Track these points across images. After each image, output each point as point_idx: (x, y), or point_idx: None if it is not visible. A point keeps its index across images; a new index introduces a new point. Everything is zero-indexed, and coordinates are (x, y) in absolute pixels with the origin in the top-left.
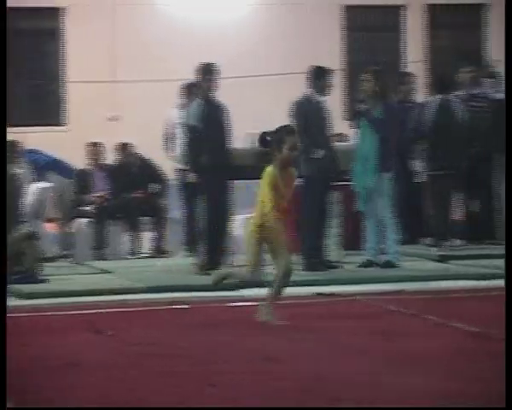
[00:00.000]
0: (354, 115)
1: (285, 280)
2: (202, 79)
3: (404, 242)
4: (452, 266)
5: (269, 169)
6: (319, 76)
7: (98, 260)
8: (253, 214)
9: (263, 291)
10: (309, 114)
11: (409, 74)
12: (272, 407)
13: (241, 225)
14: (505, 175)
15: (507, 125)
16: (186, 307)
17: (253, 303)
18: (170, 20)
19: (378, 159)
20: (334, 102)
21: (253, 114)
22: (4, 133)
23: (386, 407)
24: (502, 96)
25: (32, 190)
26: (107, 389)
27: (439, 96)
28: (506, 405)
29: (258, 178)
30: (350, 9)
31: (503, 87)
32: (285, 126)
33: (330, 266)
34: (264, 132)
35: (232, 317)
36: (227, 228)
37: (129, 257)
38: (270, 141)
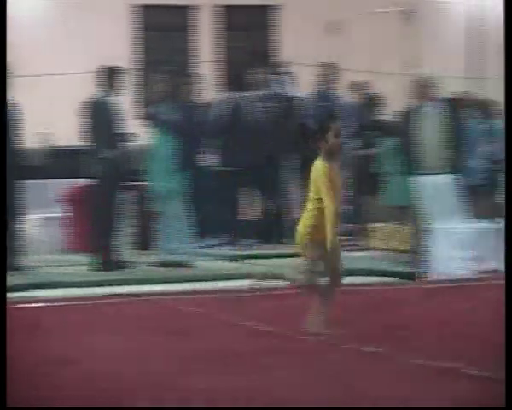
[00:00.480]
0: (147, 115)
1: (332, 291)
2: None
3: (198, 240)
4: (245, 266)
5: (319, 162)
6: (109, 76)
7: None
8: (304, 214)
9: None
10: (99, 114)
11: (196, 75)
12: (272, 406)
13: (33, 225)
14: (505, 175)
15: (507, 125)
16: None
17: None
18: None
19: (173, 158)
20: (127, 101)
21: (40, 114)
22: (4, 132)
23: (387, 407)
24: (293, 94)
25: None
26: None
27: (231, 96)
28: (506, 405)
29: (49, 178)
30: (141, 9)
31: (293, 87)
32: (328, 114)
33: (122, 265)
34: (302, 124)
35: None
36: (17, 228)
37: None
38: (312, 132)
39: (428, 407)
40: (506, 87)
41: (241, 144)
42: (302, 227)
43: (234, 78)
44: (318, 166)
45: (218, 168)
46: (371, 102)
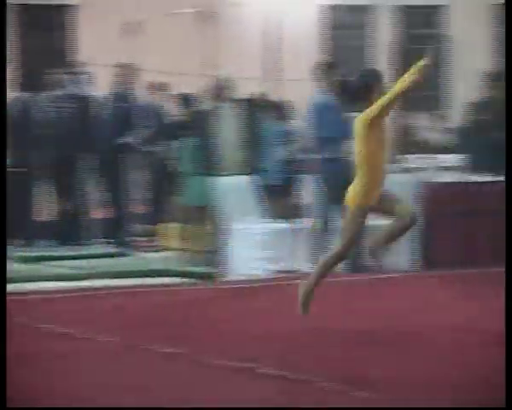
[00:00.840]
0: None
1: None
2: None
3: None
4: (43, 267)
5: (362, 116)
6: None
7: None
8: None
9: None
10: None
11: None
12: (275, 407)
13: None
14: (505, 175)
15: (507, 125)
16: None
17: None
18: None
19: None
20: None
21: None
22: (4, 132)
23: (387, 407)
24: (90, 94)
25: None
26: None
27: (22, 96)
28: (506, 405)
29: None
30: None
31: (90, 87)
32: (373, 71)
33: None
34: (344, 80)
35: None
36: None
37: None
38: (355, 90)
39: (428, 407)
40: (506, 87)
41: (33, 145)
42: (352, 191)
43: (28, 78)
44: (362, 117)
45: (9, 169)
46: (172, 102)
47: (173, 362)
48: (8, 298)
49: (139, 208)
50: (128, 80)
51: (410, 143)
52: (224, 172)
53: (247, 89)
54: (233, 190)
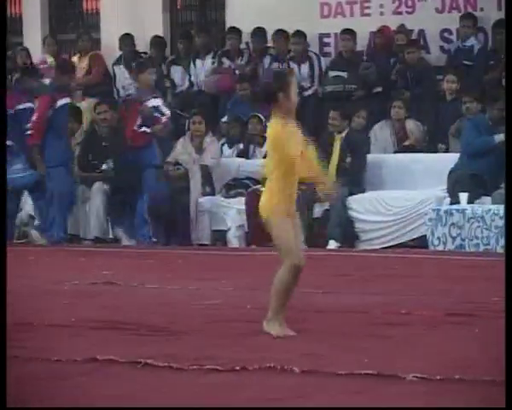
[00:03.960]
0: None
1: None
2: None
3: None
4: None
5: (275, 124)
6: None
7: None
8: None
9: None
10: None
11: None
12: (275, 407)
13: None
14: (505, 175)
15: (507, 124)
16: None
17: None
18: None
19: None
20: None
21: None
22: (4, 132)
23: (385, 407)
24: None
25: None
26: None
27: None
28: (506, 405)
29: None
30: None
31: None
32: (286, 69)
33: None
34: (257, 86)
35: None
36: None
37: None
38: (270, 90)
39: (428, 407)
40: (506, 86)
41: None
42: (266, 201)
43: None
44: (273, 126)
45: None
46: None
47: None
48: None
49: None
50: None
51: None
52: None
53: None
54: None
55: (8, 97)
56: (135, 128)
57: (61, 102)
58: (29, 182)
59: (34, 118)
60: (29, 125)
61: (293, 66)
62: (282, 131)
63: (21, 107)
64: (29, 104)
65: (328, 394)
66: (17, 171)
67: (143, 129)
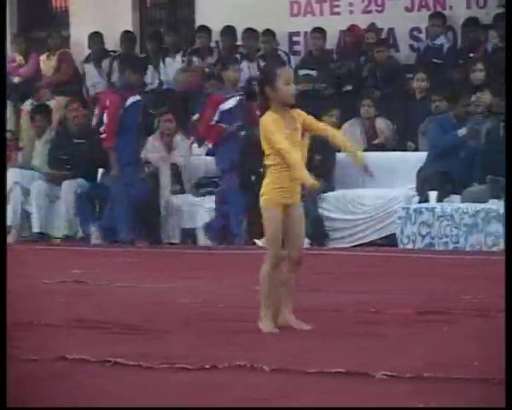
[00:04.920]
0: None
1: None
2: None
3: None
4: None
5: (266, 117)
6: None
7: None
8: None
9: None
10: None
11: None
12: (276, 407)
13: None
14: (506, 174)
15: (507, 124)
16: None
17: None
18: None
19: None
20: None
21: None
22: (4, 132)
23: (384, 407)
24: None
25: None
26: None
27: None
28: (506, 405)
29: None
30: None
31: None
32: (275, 60)
33: None
34: (250, 82)
35: None
36: None
37: None
38: (259, 83)
39: (428, 407)
40: (506, 86)
41: None
42: (260, 193)
43: None
44: (264, 119)
45: None
46: None
47: None
48: None
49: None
50: None
51: None
52: None
53: None
54: None
55: None
56: (211, 123)
57: (130, 101)
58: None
59: (106, 120)
60: (102, 128)
61: (263, 64)
62: (270, 123)
63: None
64: None
65: (296, 393)
66: None
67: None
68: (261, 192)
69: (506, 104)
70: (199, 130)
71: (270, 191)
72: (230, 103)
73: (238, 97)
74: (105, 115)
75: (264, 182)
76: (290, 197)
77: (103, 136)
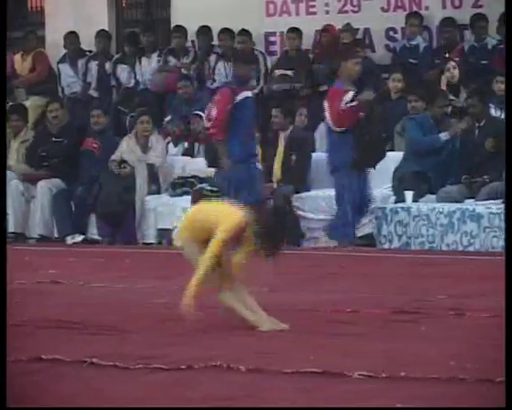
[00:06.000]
0: None
1: None
2: None
3: None
4: None
5: None
6: None
7: None
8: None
9: None
10: None
11: None
12: (276, 407)
13: None
14: (505, 174)
15: (507, 123)
16: None
17: None
18: None
19: None
20: None
21: None
22: (4, 131)
23: (382, 407)
24: None
25: None
26: None
27: None
28: (506, 405)
29: None
30: None
31: None
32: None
33: None
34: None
35: None
36: None
37: None
38: None
39: (428, 407)
40: (506, 86)
41: None
42: None
43: None
44: None
45: None
46: None
47: None
48: None
49: None
50: None
51: None
52: None
53: None
54: None
55: None
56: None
57: (241, 96)
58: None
59: (215, 113)
60: (210, 121)
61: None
62: None
63: None
64: None
65: (274, 392)
66: None
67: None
68: None
69: (506, 103)
70: (332, 116)
71: None
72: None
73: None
74: (214, 109)
75: None
76: None
77: (212, 129)
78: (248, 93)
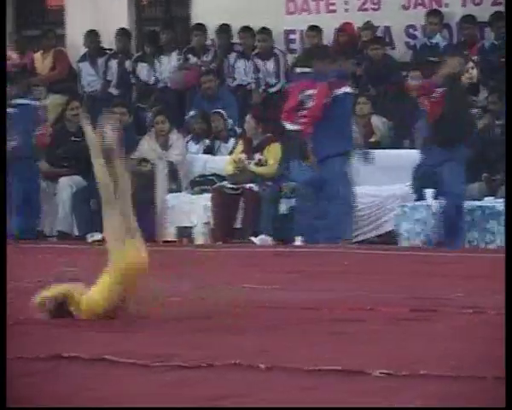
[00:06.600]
0: None
1: None
2: None
3: None
4: None
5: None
6: None
7: None
8: None
9: None
10: None
11: None
12: (276, 407)
13: None
14: (505, 173)
15: (507, 123)
16: None
17: None
18: None
19: None
20: None
21: None
22: (4, 131)
23: (384, 407)
24: None
25: None
26: None
27: None
28: (506, 405)
29: None
30: None
31: None
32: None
33: None
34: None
35: None
36: None
37: None
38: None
39: (430, 407)
40: (506, 87)
41: None
42: None
43: None
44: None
45: None
46: None
47: None
48: None
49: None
50: None
51: None
52: None
53: None
54: None
55: None
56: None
57: (340, 91)
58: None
59: (311, 106)
60: (305, 112)
61: (259, 62)
62: None
63: None
64: None
65: (294, 390)
66: None
67: None
68: None
69: (506, 104)
70: None
71: None
72: None
73: None
74: (310, 102)
75: None
76: None
77: (303, 124)
78: (347, 88)
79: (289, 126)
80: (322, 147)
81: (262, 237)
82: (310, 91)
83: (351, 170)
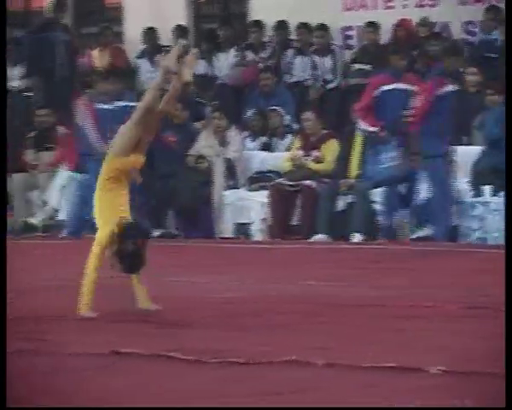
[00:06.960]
0: None
1: None
2: None
3: None
4: None
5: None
6: None
7: None
8: None
9: None
10: None
11: None
12: (273, 407)
13: None
14: (505, 174)
15: (507, 123)
16: None
17: None
18: None
19: None
20: None
21: None
22: (4, 131)
23: (386, 407)
24: None
25: None
26: None
27: None
28: (506, 405)
29: None
30: None
31: None
32: None
33: None
34: None
35: None
36: None
37: None
38: None
39: (431, 407)
40: (507, 86)
41: None
42: None
43: None
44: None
45: None
46: None
47: None
48: None
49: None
50: None
51: None
52: None
53: None
54: None
55: None
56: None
57: (447, 89)
58: (396, 174)
59: (418, 103)
60: (411, 110)
61: (316, 59)
62: None
63: None
64: None
65: (350, 387)
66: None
67: None
68: None
69: (506, 104)
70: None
71: None
72: None
73: None
74: (418, 99)
75: None
76: None
77: (411, 118)
78: (451, 87)
79: (363, 127)
80: (426, 146)
81: (319, 236)
82: (389, 87)
83: (448, 170)
